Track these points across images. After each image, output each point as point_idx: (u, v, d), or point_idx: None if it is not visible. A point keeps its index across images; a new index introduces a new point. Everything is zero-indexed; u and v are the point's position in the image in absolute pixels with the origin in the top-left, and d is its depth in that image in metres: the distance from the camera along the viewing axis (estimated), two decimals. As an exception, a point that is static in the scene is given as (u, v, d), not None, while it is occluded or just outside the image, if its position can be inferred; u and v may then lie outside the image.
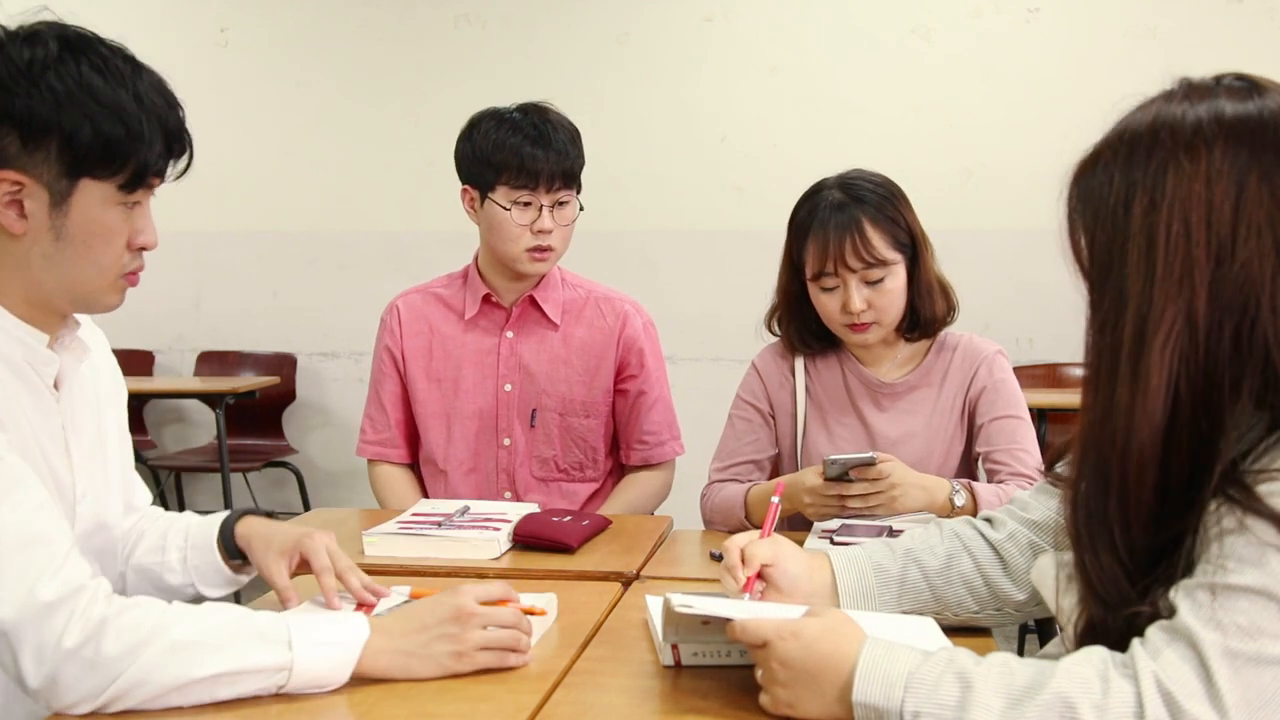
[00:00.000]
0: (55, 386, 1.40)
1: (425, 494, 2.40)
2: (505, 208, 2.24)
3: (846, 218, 1.96)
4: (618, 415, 2.41)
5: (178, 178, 1.37)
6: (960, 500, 1.86)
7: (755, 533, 1.48)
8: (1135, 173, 1.08)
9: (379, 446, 2.41)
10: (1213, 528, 1.04)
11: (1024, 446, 2.01)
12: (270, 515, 1.60)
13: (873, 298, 1.97)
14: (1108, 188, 1.10)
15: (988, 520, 1.49)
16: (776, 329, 2.16)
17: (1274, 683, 0.98)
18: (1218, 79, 1.11)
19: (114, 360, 1.59)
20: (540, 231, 2.24)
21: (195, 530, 1.56)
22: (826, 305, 2.02)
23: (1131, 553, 1.08)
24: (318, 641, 1.23)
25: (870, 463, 1.84)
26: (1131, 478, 1.06)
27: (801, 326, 2.11)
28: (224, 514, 1.57)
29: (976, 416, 2.07)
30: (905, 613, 1.46)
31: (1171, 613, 1.03)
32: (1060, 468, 1.38)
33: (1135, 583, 1.08)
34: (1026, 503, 1.47)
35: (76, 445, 1.43)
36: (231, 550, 1.53)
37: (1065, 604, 1.18)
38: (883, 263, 1.96)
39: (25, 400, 1.34)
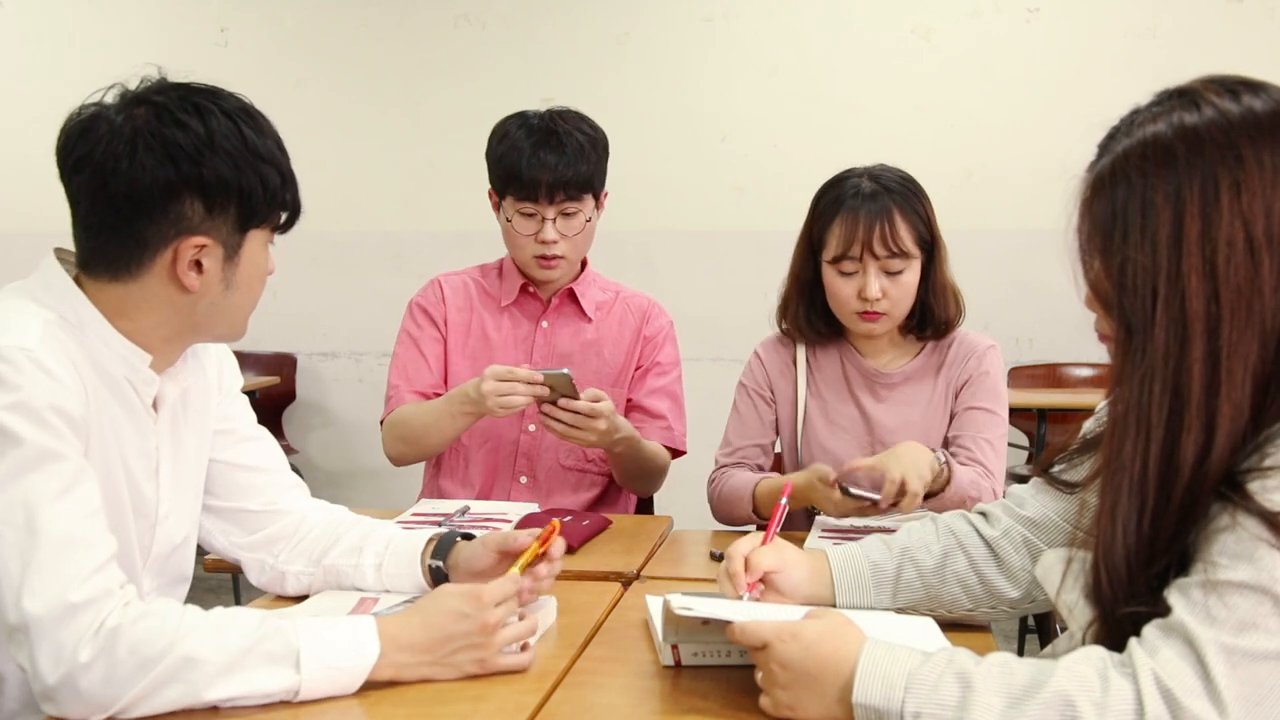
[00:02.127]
0: (154, 407, 1.44)
1: (439, 467, 2.39)
2: (509, 218, 2.27)
3: (879, 205, 1.99)
4: (629, 398, 2.40)
5: None
6: (941, 459, 1.86)
7: (759, 537, 1.48)
8: (1181, 188, 1.04)
9: (415, 397, 2.31)
10: (1204, 527, 1.04)
11: (989, 439, 2.03)
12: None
13: (889, 288, 2.00)
14: (1144, 208, 1.05)
15: (983, 515, 1.49)
16: (785, 318, 2.17)
17: (1271, 677, 0.98)
18: (1205, 82, 1.09)
19: (229, 379, 1.63)
20: (544, 242, 2.25)
21: (399, 543, 1.60)
22: (842, 290, 2.03)
23: (1142, 556, 1.07)
24: (326, 664, 1.24)
25: (876, 503, 1.82)
26: (1175, 505, 1.05)
27: (810, 312, 2.12)
28: (436, 533, 1.61)
29: (956, 404, 2.09)
30: (900, 609, 1.47)
31: (1167, 611, 1.03)
32: (1058, 469, 1.39)
33: (1135, 577, 1.08)
34: (1023, 499, 1.47)
35: (168, 467, 1.47)
36: (438, 574, 1.57)
37: (1068, 599, 1.18)
38: (905, 254, 2.00)
39: (120, 416, 1.38)
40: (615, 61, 4.62)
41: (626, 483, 2.37)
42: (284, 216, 1.42)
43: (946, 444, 2.08)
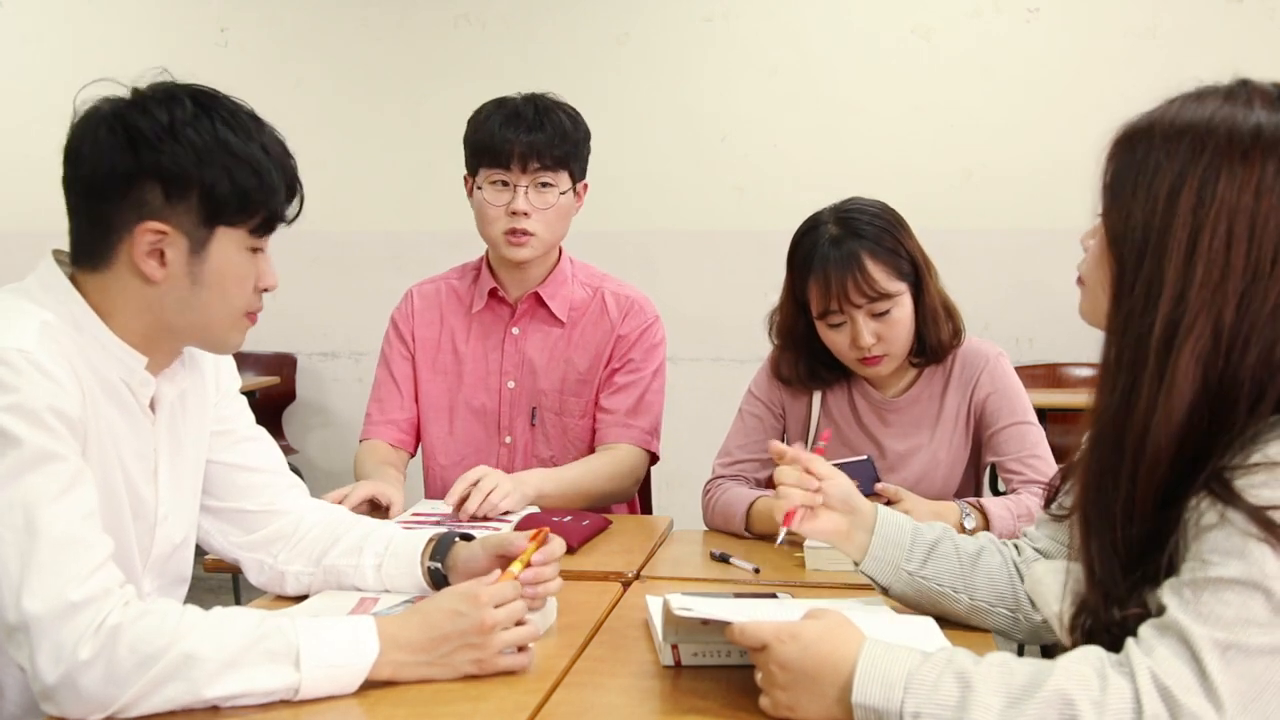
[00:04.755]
0: (151, 409, 1.44)
1: (424, 489, 2.39)
2: (481, 188, 2.23)
3: (845, 254, 1.94)
4: (597, 399, 2.35)
5: (290, 222, 1.46)
6: (970, 523, 1.86)
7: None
8: (1186, 165, 1.08)
9: (387, 426, 2.35)
10: (1192, 526, 1.06)
11: (1034, 452, 2.01)
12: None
13: (881, 330, 1.96)
14: (1154, 169, 1.10)
15: (1014, 547, 1.52)
16: (783, 370, 2.14)
17: (1266, 672, 0.99)
18: (1266, 86, 1.13)
19: (226, 380, 1.63)
20: (515, 213, 2.20)
21: (398, 543, 1.60)
22: (836, 341, 2.01)
23: (1129, 545, 1.09)
24: (326, 662, 1.24)
25: (863, 464, 1.85)
26: (1142, 473, 1.08)
27: (813, 360, 2.09)
28: (436, 534, 1.60)
29: (984, 425, 2.06)
30: (925, 579, 1.48)
31: (1161, 610, 1.05)
32: (1061, 499, 1.40)
33: (1127, 575, 1.09)
34: (1034, 536, 1.51)
35: (167, 468, 1.47)
36: (437, 575, 1.56)
37: (1063, 608, 1.19)
38: (886, 295, 1.95)
39: (116, 418, 1.38)
40: (615, 61, 4.62)
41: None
42: (260, 220, 1.39)
43: (983, 467, 2.09)
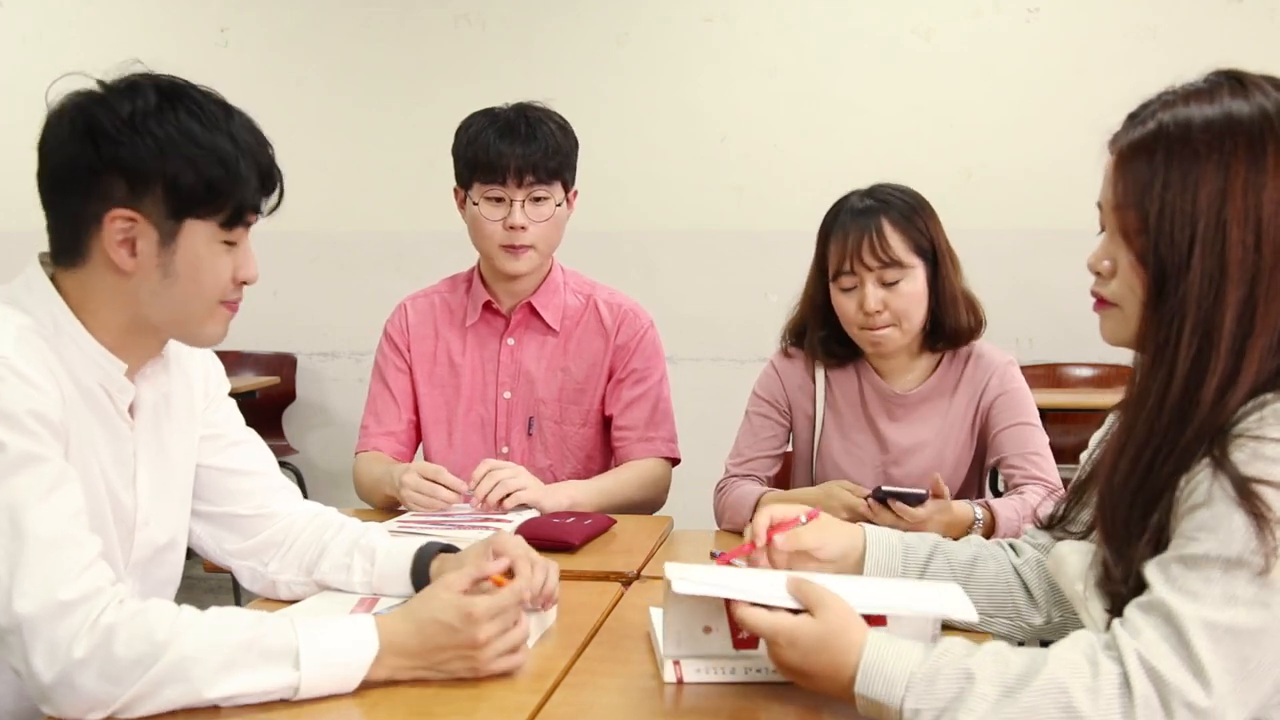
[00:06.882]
0: (130, 414, 1.43)
1: None
2: (476, 204, 2.23)
3: (868, 218, 2.00)
4: (607, 413, 2.37)
5: (269, 213, 1.43)
6: (979, 514, 1.86)
7: (790, 507, 1.48)
8: (1220, 149, 1.08)
9: (385, 438, 2.36)
10: (1181, 504, 1.07)
11: (1037, 451, 2.03)
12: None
13: (889, 299, 1.99)
14: (1177, 163, 1.10)
15: (1010, 547, 1.52)
16: (792, 343, 2.16)
17: (1254, 651, 1.00)
18: (1267, 79, 1.13)
19: (215, 384, 1.63)
20: (512, 228, 2.21)
21: (383, 559, 1.59)
22: (845, 306, 2.03)
23: (1145, 494, 1.11)
24: (325, 660, 1.23)
25: (921, 498, 1.81)
26: (1191, 451, 1.08)
27: (827, 334, 2.11)
28: (417, 544, 1.59)
29: (990, 426, 2.08)
30: None
31: (1147, 589, 1.06)
32: (1062, 520, 1.40)
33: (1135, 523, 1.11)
34: (1034, 533, 1.51)
35: (146, 472, 1.46)
36: (422, 585, 1.54)
37: (1086, 587, 1.20)
38: (899, 264, 1.98)
39: (94, 424, 1.37)
40: (615, 61, 4.62)
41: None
42: (229, 212, 1.36)
43: (985, 468, 2.10)
